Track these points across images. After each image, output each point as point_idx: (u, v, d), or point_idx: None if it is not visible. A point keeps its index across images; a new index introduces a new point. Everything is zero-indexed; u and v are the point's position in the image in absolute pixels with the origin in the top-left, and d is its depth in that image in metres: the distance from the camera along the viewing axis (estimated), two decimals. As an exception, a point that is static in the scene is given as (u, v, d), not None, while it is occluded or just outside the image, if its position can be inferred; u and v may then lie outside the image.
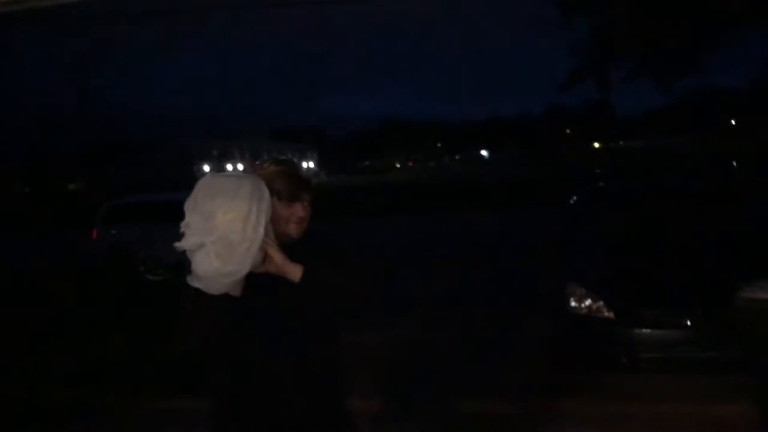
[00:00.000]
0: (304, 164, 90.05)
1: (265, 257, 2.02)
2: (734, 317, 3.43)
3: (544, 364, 5.37)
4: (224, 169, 69.11)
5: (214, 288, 1.97)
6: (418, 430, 4.48)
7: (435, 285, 9.02)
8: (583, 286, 5.07)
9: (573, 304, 5.04)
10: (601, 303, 4.94)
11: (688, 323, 4.67)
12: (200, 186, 2.02)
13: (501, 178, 34.40)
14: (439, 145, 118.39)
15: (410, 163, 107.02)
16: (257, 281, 2.03)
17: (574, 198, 7.98)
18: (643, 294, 4.94)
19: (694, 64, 9.00)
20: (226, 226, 1.94)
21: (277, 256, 2.03)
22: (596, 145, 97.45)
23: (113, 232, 13.13)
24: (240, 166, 73.19)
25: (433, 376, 5.41)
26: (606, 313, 4.91)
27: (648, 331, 4.76)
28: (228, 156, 71.61)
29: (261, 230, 1.96)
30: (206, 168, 66.30)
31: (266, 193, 2.01)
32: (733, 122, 74.60)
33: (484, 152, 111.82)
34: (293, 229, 2.17)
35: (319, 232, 2.24)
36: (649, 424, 4.27)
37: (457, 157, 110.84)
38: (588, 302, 5.00)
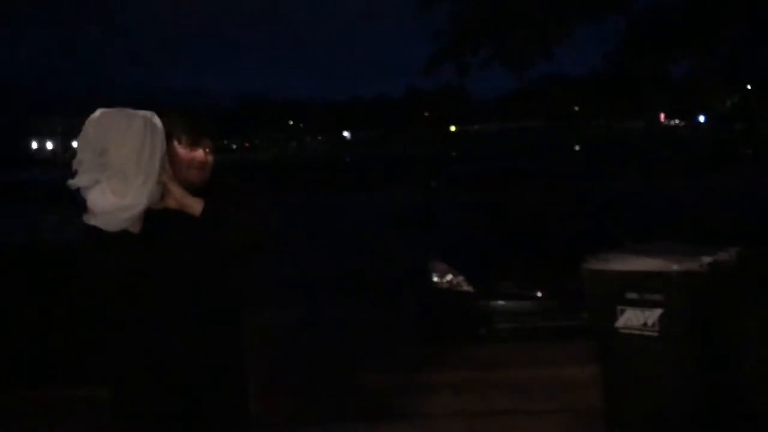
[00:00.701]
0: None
1: (164, 194, 2.00)
2: (580, 287, 3.78)
3: (411, 336, 5.61)
4: (70, 147, 64.59)
5: (113, 224, 1.95)
6: (294, 403, 4.52)
7: (306, 264, 9.04)
8: (445, 262, 5.35)
9: (436, 279, 5.31)
10: (461, 278, 5.24)
11: (539, 294, 5.08)
12: (90, 122, 1.98)
13: (363, 159, 34.87)
14: (300, 125, 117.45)
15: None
16: (157, 218, 2.01)
17: (435, 181, 8.32)
18: (499, 269, 5.29)
19: (543, 54, 9.57)
20: (119, 161, 1.93)
21: (176, 190, 2.02)
22: (453, 128, 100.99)
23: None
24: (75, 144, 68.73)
25: (310, 351, 5.42)
26: (466, 287, 5.22)
27: (504, 302, 5.14)
28: (75, 134, 66.95)
29: (156, 164, 1.96)
30: (49, 145, 61.57)
31: (159, 126, 2.00)
32: (576, 108, 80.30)
33: (346, 133, 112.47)
34: (195, 175, 2.13)
35: (221, 180, 2.23)
36: (506, 388, 4.58)
37: (319, 138, 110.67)
38: (449, 277, 5.29)
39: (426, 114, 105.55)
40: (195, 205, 2.02)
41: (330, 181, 22.93)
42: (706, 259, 3.28)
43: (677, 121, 69.05)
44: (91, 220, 1.96)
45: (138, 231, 1.99)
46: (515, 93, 76.72)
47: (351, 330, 6.01)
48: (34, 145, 57.25)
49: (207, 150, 2.16)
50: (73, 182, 1.95)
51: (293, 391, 4.66)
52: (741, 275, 3.35)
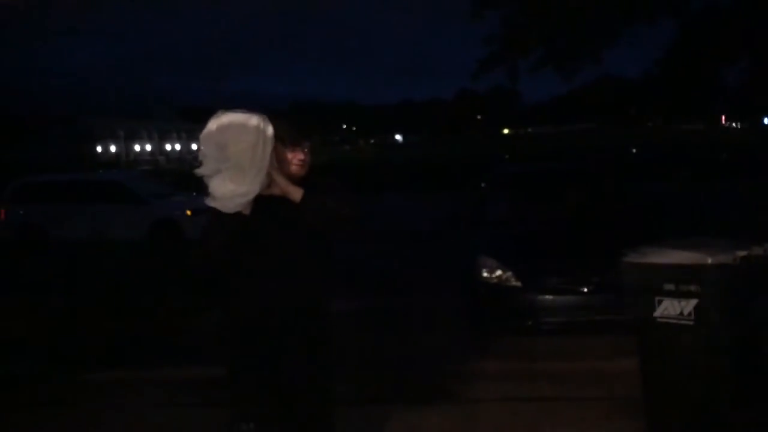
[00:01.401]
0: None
1: (271, 182, 2.41)
2: (622, 283, 3.98)
3: (461, 328, 5.89)
4: (132, 150, 66.56)
5: (229, 207, 2.36)
6: (346, 390, 4.84)
7: (366, 260, 9.39)
8: (494, 258, 5.61)
9: (485, 274, 5.57)
10: (510, 273, 5.49)
11: (584, 290, 5.29)
12: (214, 121, 2.39)
13: (417, 162, 35.09)
14: (353, 128, 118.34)
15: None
16: (264, 203, 2.43)
17: (485, 181, 8.56)
18: (546, 264, 5.51)
19: (591, 57, 9.72)
20: (238, 155, 2.32)
21: (282, 180, 2.45)
22: (506, 131, 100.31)
23: (21, 212, 12.82)
24: (148, 147, 70.71)
25: (366, 341, 5.71)
26: (514, 282, 5.47)
27: (550, 297, 5.35)
28: (135, 136, 69.07)
29: (267, 158, 2.37)
30: (113, 148, 63.65)
31: (270, 127, 2.41)
32: (630, 111, 78.81)
33: (398, 136, 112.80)
34: (296, 171, 2.56)
35: (317, 176, 2.65)
36: (550, 378, 4.82)
37: (372, 141, 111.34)
38: (498, 273, 5.54)
39: (478, 117, 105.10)
40: (296, 193, 2.46)
41: (386, 183, 23.26)
42: (740, 253, 3.46)
43: (738, 124, 67.10)
44: (211, 203, 2.38)
45: (248, 212, 2.42)
46: (568, 95, 75.80)
47: (405, 321, 6.34)
48: (98, 148, 59.41)
49: (306, 150, 2.60)
50: (199, 171, 2.37)
51: (350, 374, 4.99)
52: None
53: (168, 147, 74.16)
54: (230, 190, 2.32)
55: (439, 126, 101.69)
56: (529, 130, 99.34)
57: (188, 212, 12.14)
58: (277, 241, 2.52)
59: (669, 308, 3.57)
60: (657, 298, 3.62)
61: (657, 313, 3.63)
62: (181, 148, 72.78)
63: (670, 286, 3.56)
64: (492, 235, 6.27)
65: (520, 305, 5.41)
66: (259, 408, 2.52)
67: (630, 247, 3.86)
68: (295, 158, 2.55)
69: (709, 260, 3.45)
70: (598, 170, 8.64)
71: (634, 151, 35.47)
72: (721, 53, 11.31)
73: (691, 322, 3.51)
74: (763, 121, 39.56)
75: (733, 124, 68.45)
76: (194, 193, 12.72)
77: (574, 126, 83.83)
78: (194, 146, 50.01)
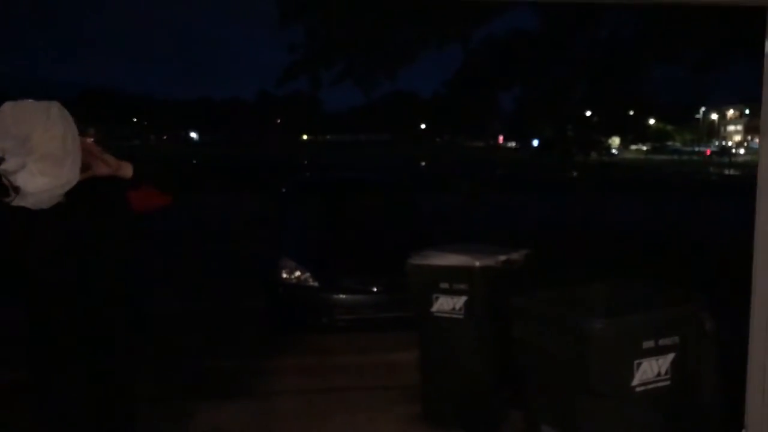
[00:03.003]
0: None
1: (89, 166, 2.37)
2: (408, 283, 4.49)
3: (261, 326, 6.13)
4: None
5: (45, 202, 2.26)
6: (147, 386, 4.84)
7: (167, 261, 9.16)
8: (294, 260, 5.94)
9: (285, 275, 5.89)
10: (308, 274, 5.86)
11: (374, 289, 5.80)
12: (5, 114, 2.24)
13: (213, 162, 34.37)
14: (145, 122, 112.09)
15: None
16: (78, 188, 2.33)
17: (285, 186, 8.88)
18: (341, 266, 5.96)
19: (388, 74, 10.48)
20: (46, 145, 2.21)
21: (110, 159, 2.43)
22: (305, 136, 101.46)
23: None
24: None
25: (169, 341, 5.69)
26: (311, 282, 5.84)
27: (344, 296, 5.80)
28: None
29: (77, 145, 2.29)
30: None
31: (68, 113, 2.32)
32: (423, 126, 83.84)
33: (193, 134, 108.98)
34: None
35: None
36: (343, 370, 5.24)
37: (164, 137, 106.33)
38: (297, 273, 5.88)
39: (278, 120, 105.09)
40: (127, 168, 2.48)
41: (184, 181, 22.48)
42: (501, 257, 4.14)
43: (513, 144, 74.16)
44: (20, 202, 2.22)
45: (65, 200, 2.32)
46: (365, 107, 78.77)
47: (209, 321, 6.43)
48: None
49: (91, 136, 2.64)
50: (1, 168, 2.18)
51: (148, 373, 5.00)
52: (528, 270, 4.24)
53: None
54: (45, 182, 2.19)
55: (237, 126, 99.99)
56: (328, 137, 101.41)
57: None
58: (90, 228, 2.47)
59: (444, 304, 4.15)
60: (434, 295, 4.18)
61: (434, 308, 4.19)
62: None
63: (445, 285, 4.14)
64: (291, 239, 6.59)
65: (317, 304, 5.80)
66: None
67: (414, 250, 4.40)
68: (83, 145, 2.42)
69: (477, 263, 4.08)
70: (390, 181, 9.40)
71: (422, 164, 37.97)
72: (498, 81, 12.75)
73: (461, 316, 4.11)
74: (532, 142, 44.44)
75: (508, 144, 75.56)
76: None
77: (371, 136, 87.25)
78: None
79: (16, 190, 2.21)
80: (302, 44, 10.48)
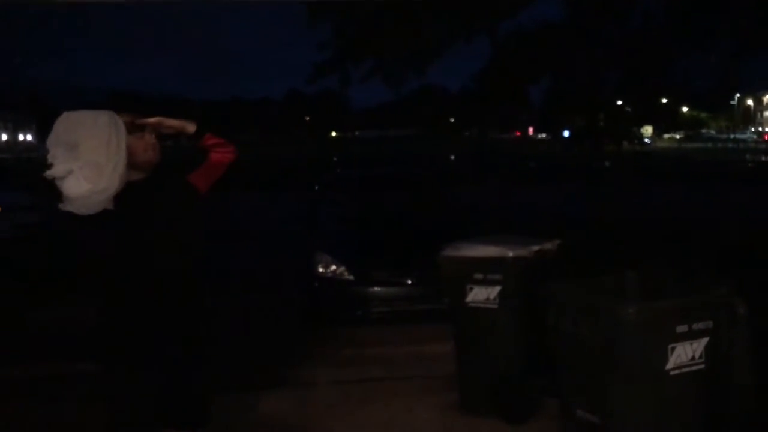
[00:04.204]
0: (21, 136, 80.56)
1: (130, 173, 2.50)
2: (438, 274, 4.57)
3: (298, 320, 6.26)
4: None
5: (89, 208, 2.37)
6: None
7: (215, 258, 9.30)
8: (329, 254, 6.06)
9: (320, 269, 6.01)
10: (343, 268, 5.98)
11: (409, 282, 5.89)
12: (60, 122, 2.40)
13: (246, 161, 34.59)
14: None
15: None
16: (128, 193, 2.48)
17: (318, 184, 9.02)
18: (374, 260, 6.06)
19: (417, 70, 10.52)
20: (90, 152, 2.34)
21: (175, 121, 2.69)
22: (334, 133, 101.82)
23: None
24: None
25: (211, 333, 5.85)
26: (347, 276, 5.95)
27: (378, 289, 5.90)
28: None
29: (122, 152, 2.41)
30: None
31: (120, 121, 2.47)
32: (452, 119, 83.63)
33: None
34: (152, 156, 2.65)
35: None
36: (378, 361, 5.34)
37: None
38: (333, 268, 6.01)
39: (306, 118, 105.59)
40: (190, 124, 2.73)
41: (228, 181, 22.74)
42: (534, 248, 4.20)
43: (544, 135, 73.58)
44: (67, 207, 2.35)
45: (113, 207, 2.44)
46: (394, 103, 78.80)
47: (246, 316, 6.57)
48: None
49: (150, 134, 2.67)
50: (49, 173, 2.34)
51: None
52: (560, 260, 4.29)
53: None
54: (87, 189, 2.30)
55: (267, 125, 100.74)
56: (357, 133, 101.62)
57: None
58: (154, 221, 2.59)
59: (478, 294, 4.22)
60: (468, 286, 4.26)
61: (468, 299, 4.27)
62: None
63: (479, 276, 4.21)
64: (327, 234, 6.72)
65: (352, 297, 5.90)
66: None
67: (446, 243, 4.47)
68: (142, 144, 2.58)
69: (510, 254, 4.14)
70: (421, 176, 9.47)
71: (452, 157, 37.90)
72: (527, 73, 12.70)
73: (495, 306, 4.18)
74: (563, 133, 44.07)
75: (539, 136, 75.00)
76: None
77: (399, 132, 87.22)
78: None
79: (61, 195, 2.34)
80: (330, 43, 10.59)
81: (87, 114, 2.43)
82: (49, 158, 2.36)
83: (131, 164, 2.50)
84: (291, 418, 4.35)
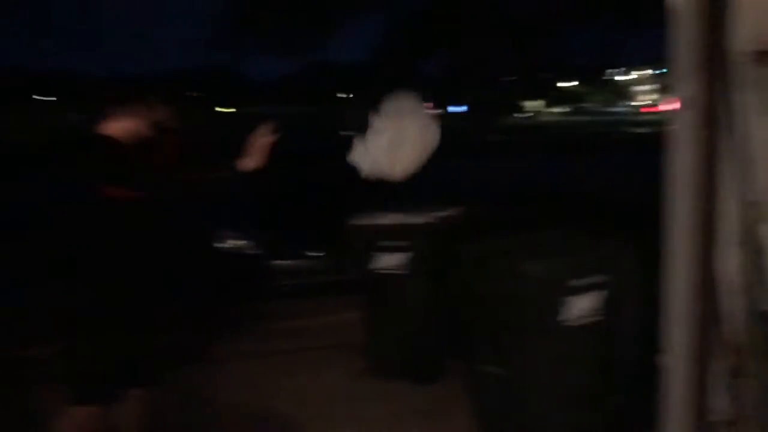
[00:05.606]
0: None
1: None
2: (348, 246, 4.64)
3: (202, 297, 6.14)
4: None
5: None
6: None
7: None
8: (234, 228, 6.00)
9: (227, 244, 5.94)
10: (248, 242, 5.93)
11: (315, 254, 5.94)
12: None
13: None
14: (62, 100, 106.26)
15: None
16: None
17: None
18: (280, 233, 6.07)
19: (312, 43, 10.49)
20: None
21: None
22: (225, 109, 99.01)
23: None
24: None
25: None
26: (252, 251, 5.91)
27: (285, 262, 5.91)
28: None
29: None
30: None
31: None
32: (343, 95, 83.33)
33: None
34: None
35: None
36: (286, 334, 5.35)
37: (84, 116, 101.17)
38: (237, 242, 5.95)
39: (194, 94, 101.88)
40: None
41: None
42: (440, 214, 4.35)
43: (439, 110, 74.76)
44: None
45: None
46: (290, 77, 77.48)
47: (146, 293, 6.36)
48: None
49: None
50: None
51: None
52: (465, 225, 4.46)
53: None
54: None
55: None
56: (250, 109, 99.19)
57: None
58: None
59: (387, 261, 4.33)
60: (376, 254, 4.36)
61: (377, 266, 4.36)
62: None
63: (387, 243, 4.32)
64: (229, 209, 6.63)
65: (259, 271, 5.88)
66: None
67: (352, 214, 4.54)
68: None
69: (417, 220, 4.27)
70: (322, 149, 9.49)
71: (347, 133, 37.94)
72: (421, 48, 12.89)
73: (404, 272, 4.30)
74: (454, 107, 45.16)
75: (434, 111, 76.04)
76: None
77: (296, 108, 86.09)
78: None
79: None
80: (225, 15, 10.36)
81: None
82: None
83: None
84: (200, 394, 4.31)
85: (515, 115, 31.82)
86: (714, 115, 2.45)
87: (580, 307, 3.02)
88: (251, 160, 2.89)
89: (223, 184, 2.98)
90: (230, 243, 5.97)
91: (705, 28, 2.44)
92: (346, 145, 4.74)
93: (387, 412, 3.99)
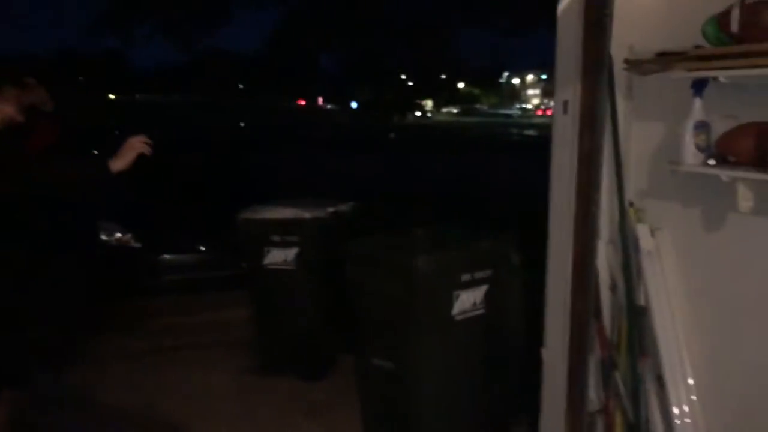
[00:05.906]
0: None
1: None
2: (237, 241, 4.51)
3: (81, 293, 5.80)
4: None
5: None
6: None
7: None
8: (114, 221, 5.70)
9: (105, 237, 5.62)
10: (129, 235, 5.65)
11: (202, 248, 5.75)
12: None
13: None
14: None
15: None
16: None
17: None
18: (164, 227, 5.83)
19: (204, 30, 10.17)
20: None
21: None
22: (111, 96, 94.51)
23: None
24: None
25: None
26: (134, 244, 5.64)
27: (169, 257, 5.68)
28: None
29: None
30: None
31: None
32: (241, 86, 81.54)
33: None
34: None
35: None
36: (171, 331, 5.15)
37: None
38: (118, 235, 5.65)
39: (81, 78, 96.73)
40: None
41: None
42: (331, 209, 4.31)
43: (332, 106, 74.56)
44: None
45: None
46: (182, 66, 74.94)
47: (16, 289, 5.94)
48: None
49: None
50: None
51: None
52: (355, 220, 4.45)
53: None
54: None
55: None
56: (138, 96, 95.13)
57: None
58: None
59: (276, 256, 4.25)
60: (266, 248, 4.27)
61: (266, 261, 4.28)
62: None
63: (276, 238, 4.24)
64: (114, 200, 6.29)
65: (141, 265, 5.62)
66: None
67: (241, 207, 4.43)
68: None
69: (307, 215, 4.22)
70: (211, 140, 9.24)
71: (242, 124, 37.15)
72: (316, 41, 12.79)
73: (293, 267, 4.23)
74: (350, 104, 45.30)
75: (328, 106, 75.84)
76: None
77: (188, 96, 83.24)
78: None
79: None
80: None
81: None
82: None
83: None
84: (83, 393, 4.06)
85: (413, 113, 32.33)
86: (593, 118, 2.56)
87: (467, 301, 3.08)
88: (121, 162, 2.76)
89: (96, 182, 2.81)
90: (115, 236, 5.66)
91: (588, 35, 2.54)
92: (239, 135, 4.61)
93: (275, 408, 3.92)
